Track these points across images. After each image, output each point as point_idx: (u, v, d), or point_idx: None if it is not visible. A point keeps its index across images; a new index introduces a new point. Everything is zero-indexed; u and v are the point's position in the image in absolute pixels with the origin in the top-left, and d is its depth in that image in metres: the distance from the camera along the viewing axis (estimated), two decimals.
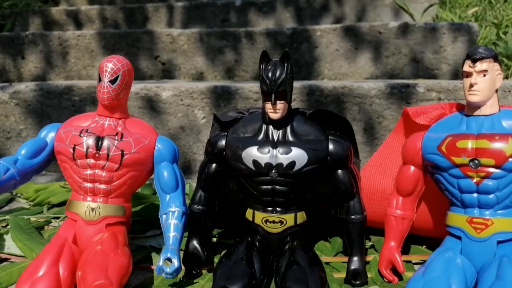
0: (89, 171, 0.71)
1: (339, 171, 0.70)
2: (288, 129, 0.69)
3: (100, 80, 0.71)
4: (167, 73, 1.73)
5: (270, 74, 0.66)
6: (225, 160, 0.71)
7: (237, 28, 1.76)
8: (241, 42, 1.69)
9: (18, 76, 1.79)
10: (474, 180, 0.63)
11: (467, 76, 0.65)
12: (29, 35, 1.77)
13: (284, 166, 0.67)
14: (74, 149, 0.71)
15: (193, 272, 0.72)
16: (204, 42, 1.70)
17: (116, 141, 0.71)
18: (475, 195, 0.64)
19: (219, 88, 1.27)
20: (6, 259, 0.79)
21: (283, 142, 0.69)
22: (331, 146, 0.69)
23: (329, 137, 0.70)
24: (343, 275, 0.71)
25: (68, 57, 1.76)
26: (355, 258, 0.70)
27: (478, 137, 0.63)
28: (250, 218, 0.73)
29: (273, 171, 0.68)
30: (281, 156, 0.68)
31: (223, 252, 0.79)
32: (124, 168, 0.72)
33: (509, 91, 1.19)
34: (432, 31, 1.61)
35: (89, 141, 0.71)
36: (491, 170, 0.62)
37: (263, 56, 0.67)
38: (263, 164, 0.68)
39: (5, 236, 0.84)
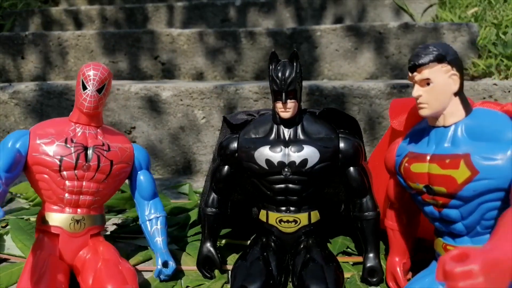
0: (76, 183, 0.68)
1: (351, 168, 0.70)
2: (299, 128, 0.70)
3: (84, 87, 0.68)
4: (167, 73, 1.73)
5: (280, 74, 0.67)
6: (238, 162, 0.71)
7: (237, 28, 1.76)
8: (241, 42, 1.69)
9: (18, 76, 1.79)
10: (436, 208, 0.56)
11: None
12: (29, 35, 1.77)
13: (297, 164, 0.68)
14: (61, 160, 0.67)
15: (207, 274, 0.73)
16: (204, 42, 1.70)
17: (105, 152, 0.70)
18: (441, 223, 0.56)
19: (219, 88, 1.27)
20: (6, 260, 0.79)
21: (295, 141, 0.69)
22: (341, 144, 0.69)
23: (340, 135, 0.70)
24: (345, 274, 0.71)
25: (67, 57, 1.76)
26: (371, 255, 0.70)
27: (431, 160, 0.54)
28: (264, 219, 0.73)
29: (286, 169, 0.68)
30: (294, 154, 0.68)
31: (231, 256, 0.79)
32: (111, 178, 0.71)
33: (509, 91, 1.19)
34: (432, 31, 1.61)
35: (78, 152, 0.68)
36: (447, 198, 0.53)
37: (272, 57, 0.68)
38: (275, 163, 0.68)
39: (5, 236, 0.84)
